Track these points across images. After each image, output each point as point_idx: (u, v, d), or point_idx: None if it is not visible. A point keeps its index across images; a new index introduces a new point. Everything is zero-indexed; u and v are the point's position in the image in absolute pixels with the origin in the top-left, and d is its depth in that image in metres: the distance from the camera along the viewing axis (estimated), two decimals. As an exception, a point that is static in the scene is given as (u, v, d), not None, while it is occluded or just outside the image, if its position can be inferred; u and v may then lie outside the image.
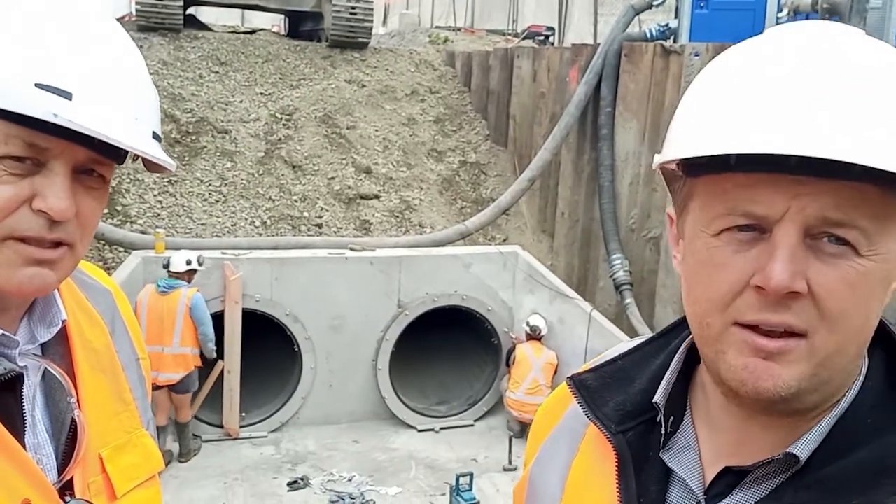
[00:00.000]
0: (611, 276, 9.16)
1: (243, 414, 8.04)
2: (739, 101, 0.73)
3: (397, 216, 10.40)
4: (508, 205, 9.94)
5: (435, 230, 10.05)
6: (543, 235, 10.83)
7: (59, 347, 1.06)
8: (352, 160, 11.00)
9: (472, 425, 8.75)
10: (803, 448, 0.76)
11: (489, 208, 9.96)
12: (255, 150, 10.74)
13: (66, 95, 0.88)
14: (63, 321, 1.05)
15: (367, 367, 8.45)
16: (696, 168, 0.77)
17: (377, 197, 10.59)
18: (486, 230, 10.38)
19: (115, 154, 0.95)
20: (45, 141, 0.89)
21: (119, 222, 8.97)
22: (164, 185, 9.73)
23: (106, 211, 8.97)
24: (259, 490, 7.12)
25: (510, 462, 7.70)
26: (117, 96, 0.93)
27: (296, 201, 10.16)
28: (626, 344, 1.01)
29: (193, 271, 7.30)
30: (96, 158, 0.95)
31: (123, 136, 0.91)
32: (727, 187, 0.74)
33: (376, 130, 11.71)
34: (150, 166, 0.99)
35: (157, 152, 0.97)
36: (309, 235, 9.46)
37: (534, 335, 8.31)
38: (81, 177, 0.95)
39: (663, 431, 0.87)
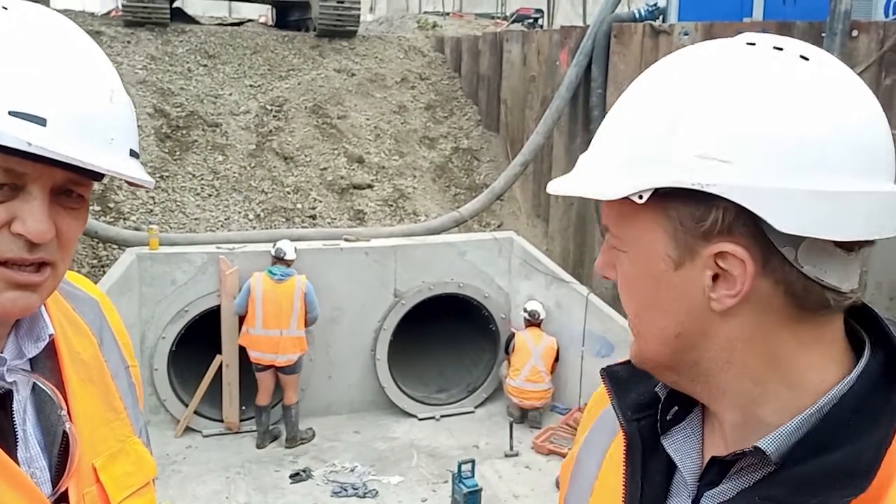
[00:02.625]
0: (606, 259, 9.16)
1: (243, 407, 8.05)
2: None
3: (391, 205, 10.38)
4: (502, 190, 9.92)
5: (429, 218, 10.03)
6: (538, 220, 10.81)
7: (47, 361, 1.06)
8: (343, 150, 10.95)
9: (472, 412, 8.77)
10: (770, 443, 0.78)
11: (483, 194, 9.94)
12: (246, 142, 10.68)
13: (41, 122, 0.87)
14: (50, 335, 1.06)
15: (365, 358, 8.45)
16: None
17: (370, 186, 10.55)
18: (481, 216, 10.36)
19: (93, 174, 0.95)
20: (22, 166, 0.89)
21: (112, 220, 8.93)
22: (157, 181, 9.68)
23: (98, 208, 8.94)
24: (262, 483, 7.14)
25: (511, 448, 7.72)
26: (92, 119, 0.92)
27: (289, 193, 10.12)
28: None
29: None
30: (74, 179, 0.95)
31: (99, 160, 0.91)
32: None
33: (367, 119, 11.65)
34: (130, 181, 0.99)
35: (133, 172, 0.97)
36: (303, 227, 9.44)
37: (533, 320, 8.32)
38: (60, 197, 0.95)
39: (659, 419, 0.92)
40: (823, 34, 7.10)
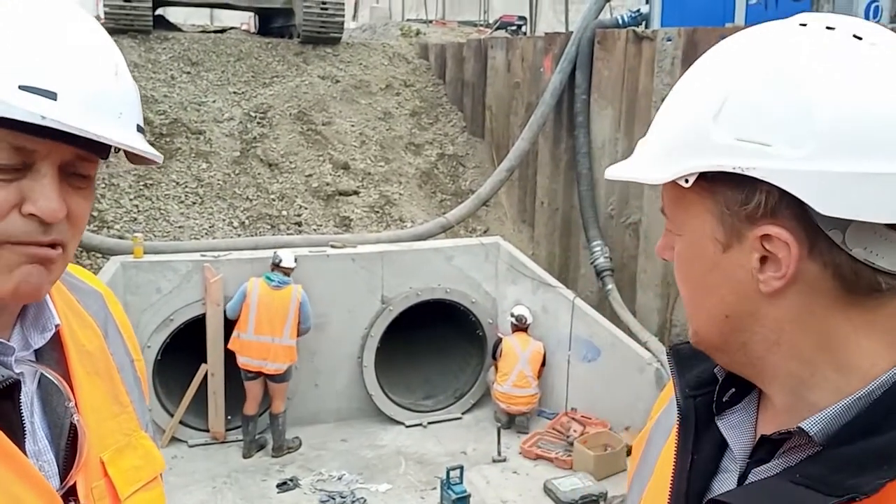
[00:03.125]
0: (592, 263, 9.19)
1: (229, 417, 7.98)
2: None
3: (377, 211, 10.35)
4: (488, 196, 9.93)
5: (415, 224, 10.02)
6: (524, 225, 10.83)
7: (53, 352, 1.05)
8: (329, 156, 10.92)
9: (459, 418, 8.75)
10: (814, 425, 0.78)
11: (469, 200, 9.94)
12: (230, 149, 10.63)
13: (51, 96, 0.86)
14: (57, 326, 1.04)
15: (352, 365, 8.42)
16: None
17: (356, 193, 10.52)
18: (467, 222, 10.35)
19: (101, 150, 0.94)
20: (32, 143, 0.88)
21: (95, 228, 8.84)
22: (140, 189, 9.60)
23: (81, 217, 8.83)
24: (249, 493, 7.08)
25: (499, 453, 7.71)
26: (100, 93, 0.92)
27: (274, 200, 10.07)
28: None
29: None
30: (83, 156, 0.94)
31: (111, 134, 0.91)
32: None
33: (352, 126, 11.64)
34: (135, 159, 0.98)
35: (144, 146, 0.97)
36: (288, 234, 9.39)
37: (520, 325, 8.33)
38: (68, 176, 0.94)
39: (715, 398, 0.93)
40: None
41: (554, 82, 9.59)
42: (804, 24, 0.78)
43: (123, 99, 0.96)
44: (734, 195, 0.78)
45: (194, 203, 9.74)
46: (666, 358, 1.02)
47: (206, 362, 7.76)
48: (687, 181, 0.80)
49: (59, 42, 0.90)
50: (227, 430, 7.98)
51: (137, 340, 1.29)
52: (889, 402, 0.77)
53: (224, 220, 9.64)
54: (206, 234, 9.33)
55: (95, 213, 9.10)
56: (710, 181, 0.78)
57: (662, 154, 0.83)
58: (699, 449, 0.93)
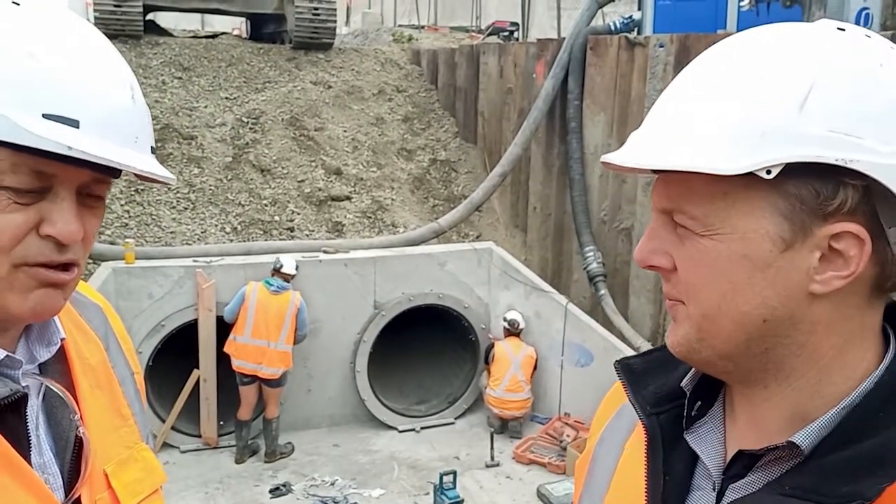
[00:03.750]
0: (584, 269, 9.22)
1: (221, 422, 7.96)
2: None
3: (370, 217, 10.35)
4: (481, 201, 9.94)
5: (408, 229, 10.02)
6: (516, 230, 10.85)
7: (57, 366, 1.05)
8: (321, 162, 10.92)
9: (452, 423, 8.75)
10: (805, 437, 0.78)
11: (462, 205, 9.95)
12: (222, 155, 10.61)
13: (74, 124, 0.86)
14: (62, 339, 1.04)
15: (345, 370, 8.41)
16: None
17: (348, 198, 10.52)
18: (460, 227, 10.37)
19: (116, 171, 0.94)
20: (52, 168, 0.88)
21: (86, 233, 8.81)
22: (132, 195, 9.57)
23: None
24: (242, 499, 7.06)
25: (492, 458, 7.71)
26: (118, 118, 0.92)
27: (266, 205, 10.06)
28: None
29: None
30: (99, 178, 0.95)
31: (133, 161, 0.91)
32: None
33: (345, 131, 11.64)
34: (142, 175, 0.97)
35: (161, 171, 0.98)
36: (281, 239, 9.39)
37: (512, 330, 8.34)
38: (83, 197, 0.95)
39: (685, 413, 0.91)
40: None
41: (546, 88, 9.63)
42: (842, 30, 0.78)
43: (140, 122, 0.96)
44: (814, 189, 0.73)
45: (186, 208, 9.71)
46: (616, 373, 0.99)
47: (198, 368, 7.74)
48: (769, 172, 0.72)
49: (77, 66, 0.89)
50: (220, 435, 7.95)
51: (131, 348, 1.28)
52: (868, 407, 0.77)
53: (216, 225, 9.62)
54: (197, 239, 9.31)
55: (87, 219, 9.06)
56: (784, 174, 0.73)
57: (726, 143, 0.74)
58: (670, 468, 0.89)
